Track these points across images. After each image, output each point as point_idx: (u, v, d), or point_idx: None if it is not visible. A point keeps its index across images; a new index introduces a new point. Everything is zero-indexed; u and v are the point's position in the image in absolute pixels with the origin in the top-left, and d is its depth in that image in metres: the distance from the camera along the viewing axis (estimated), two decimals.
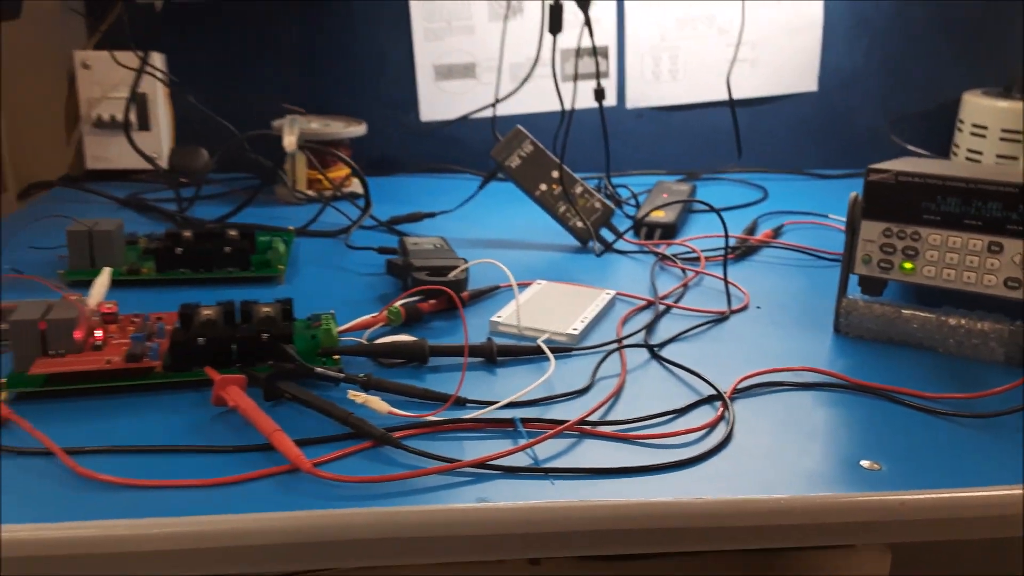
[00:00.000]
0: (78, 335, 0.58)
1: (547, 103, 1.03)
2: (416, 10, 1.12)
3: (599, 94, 0.89)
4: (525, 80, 0.92)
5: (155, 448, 0.50)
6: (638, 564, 0.61)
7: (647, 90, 1.17)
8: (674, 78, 1.17)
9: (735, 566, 0.62)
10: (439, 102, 1.16)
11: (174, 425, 0.53)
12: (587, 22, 0.84)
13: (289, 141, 0.95)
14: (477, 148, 1.17)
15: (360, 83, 1.14)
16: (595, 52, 0.85)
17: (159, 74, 1.05)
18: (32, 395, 0.55)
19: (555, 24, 0.84)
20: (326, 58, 1.13)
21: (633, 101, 1.17)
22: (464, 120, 1.14)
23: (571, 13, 0.89)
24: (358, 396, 0.54)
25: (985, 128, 1.00)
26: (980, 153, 1.01)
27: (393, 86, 1.15)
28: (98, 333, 0.59)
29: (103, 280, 0.64)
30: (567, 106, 0.85)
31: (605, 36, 1.13)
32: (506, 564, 0.61)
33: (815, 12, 1.15)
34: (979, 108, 1.01)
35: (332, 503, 0.45)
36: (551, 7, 0.83)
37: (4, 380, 0.55)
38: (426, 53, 1.14)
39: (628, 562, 0.61)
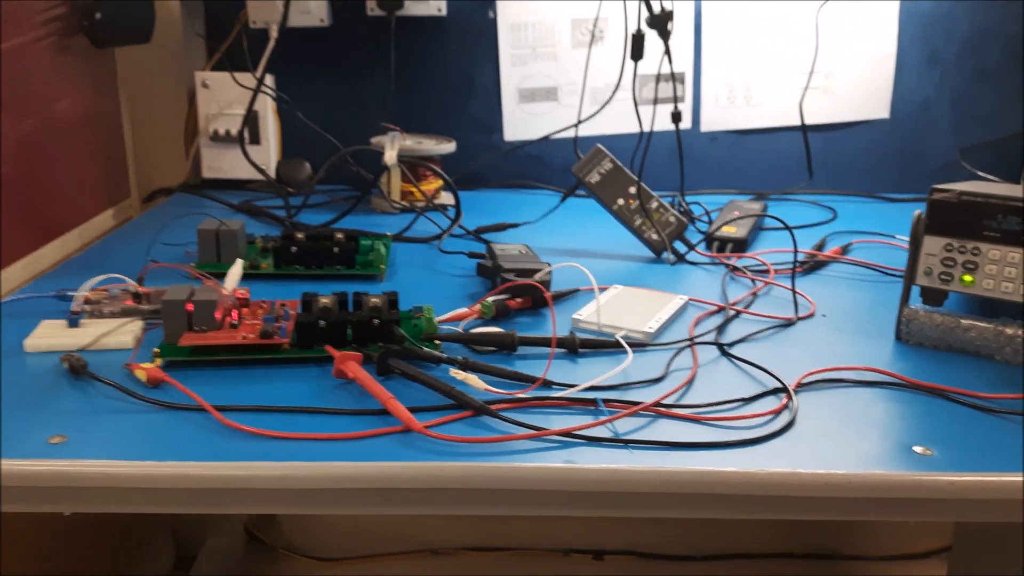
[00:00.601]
0: (218, 315, 0.67)
1: (626, 125, 1.10)
2: (503, 38, 1.21)
3: (676, 117, 0.95)
4: (606, 103, 0.99)
5: (287, 408, 0.58)
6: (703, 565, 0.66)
7: (721, 114, 1.23)
8: (748, 103, 1.22)
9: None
10: (522, 123, 1.24)
11: (301, 392, 0.61)
12: (667, 51, 0.91)
13: (390, 156, 1.05)
14: (557, 166, 1.25)
15: (450, 105, 1.23)
16: (673, 78, 0.92)
17: (271, 94, 1.16)
18: (179, 363, 0.64)
19: (637, 52, 0.91)
20: (420, 81, 1.22)
21: (708, 124, 1.23)
22: (546, 140, 1.22)
23: (650, 41, 0.96)
24: (459, 374, 0.61)
25: None
26: None
27: (480, 108, 1.24)
28: (234, 314, 0.68)
29: (236, 270, 0.73)
30: (645, 128, 0.92)
31: (682, 63, 1.20)
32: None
33: (888, 45, 1.19)
34: None
35: (441, 458, 0.52)
36: (634, 36, 0.90)
37: (157, 349, 0.64)
38: (511, 77, 1.23)
39: (689, 563, 0.66)
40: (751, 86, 1.22)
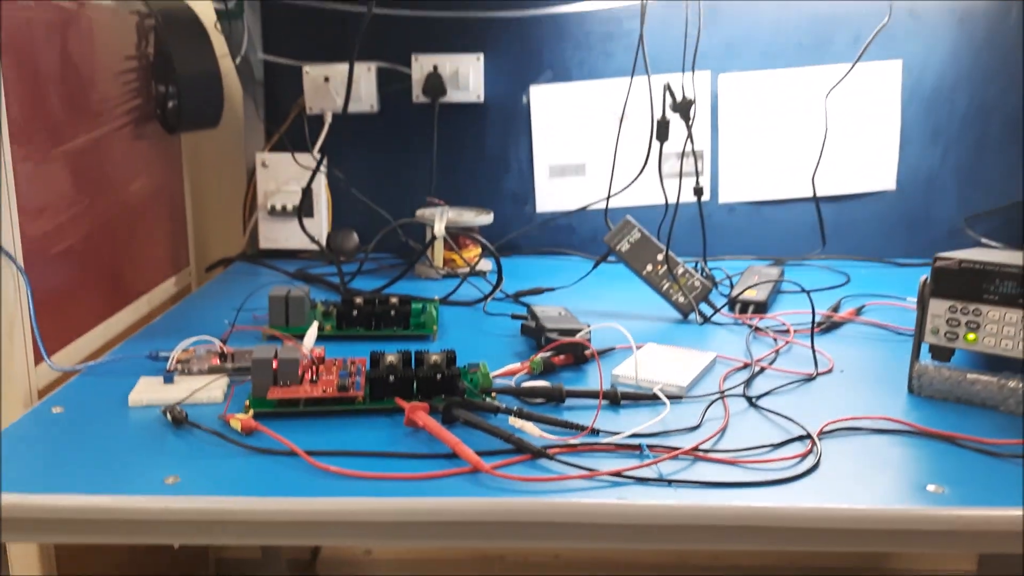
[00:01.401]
0: (299, 371, 0.75)
1: (651, 197, 1.19)
2: (536, 119, 1.31)
3: (698, 192, 1.05)
4: (634, 181, 1.08)
5: (368, 452, 0.66)
6: None
7: (738, 187, 1.32)
8: (763, 176, 1.32)
9: None
10: (554, 195, 1.34)
11: (376, 439, 0.69)
12: (689, 135, 1.01)
13: (439, 228, 1.14)
14: (586, 234, 1.34)
15: (488, 179, 1.34)
16: (695, 156, 1.01)
17: (324, 172, 1.27)
18: (267, 414, 0.72)
19: (662, 134, 1.01)
20: (460, 158, 1.33)
21: (726, 196, 1.32)
22: (576, 211, 1.31)
23: (673, 120, 1.06)
24: (516, 421, 0.69)
25: None
26: None
27: (515, 181, 1.34)
28: (312, 370, 0.76)
29: (312, 332, 0.82)
30: (671, 200, 1.01)
31: (701, 140, 1.30)
32: None
33: (893, 121, 1.29)
34: None
35: (508, 494, 0.59)
36: (659, 122, 1.00)
37: (248, 402, 0.73)
38: (543, 154, 1.33)
39: None
40: (766, 160, 1.31)
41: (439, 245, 1.19)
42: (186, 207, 1.32)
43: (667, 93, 1.00)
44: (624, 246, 1.04)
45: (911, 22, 1.26)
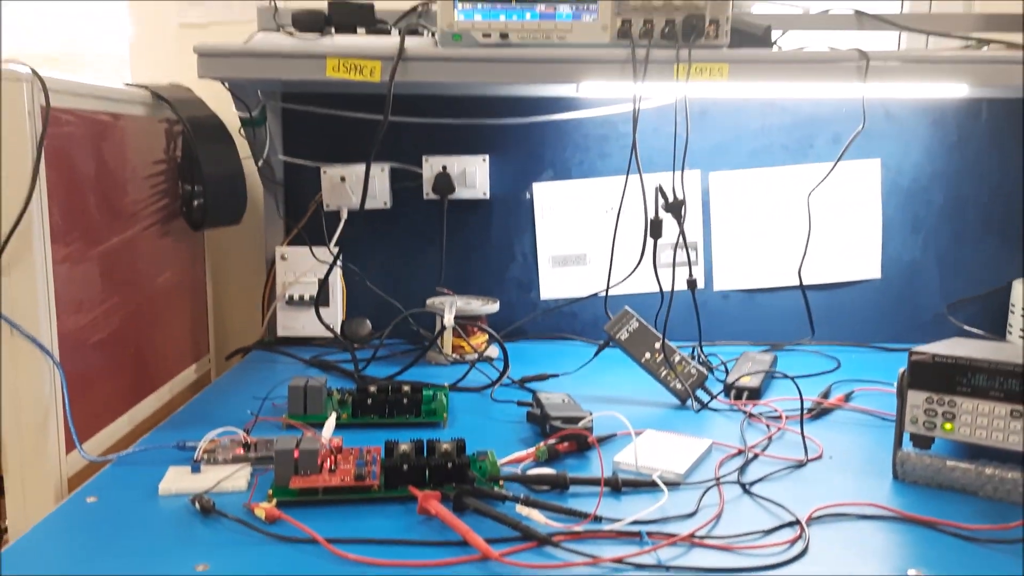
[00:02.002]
0: (319, 461, 0.80)
1: (649, 285, 1.26)
2: (539, 214, 1.39)
3: (692, 285, 1.11)
4: (631, 274, 1.15)
5: (383, 540, 0.70)
6: None
7: (732, 275, 1.39)
8: (755, 265, 1.39)
9: None
10: (556, 284, 1.41)
11: (391, 526, 0.73)
12: (681, 231, 1.08)
13: (448, 319, 1.21)
14: (588, 320, 1.40)
15: (494, 269, 1.41)
16: (687, 250, 1.08)
17: (340, 264, 1.34)
18: (288, 503, 0.77)
19: (655, 232, 1.08)
20: (468, 249, 1.40)
21: (720, 284, 1.39)
22: (578, 300, 1.38)
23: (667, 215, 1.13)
24: (523, 509, 0.73)
25: None
26: None
27: (520, 271, 1.41)
28: (331, 459, 0.81)
29: (331, 423, 0.87)
30: (666, 291, 1.07)
31: (694, 233, 1.38)
32: None
33: (874, 215, 1.37)
34: None
35: None
36: (652, 221, 1.08)
37: (271, 491, 0.77)
38: (546, 246, 1.40)
39: None
40: (757, 251, 1.39)
41: (448, 333, 1.26)
42: (208, 297, 1.39)
43: (659, 194, 1.08)
44: (623, 335, 1.10)
45: (887, 123, 1.35)
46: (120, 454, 0.90)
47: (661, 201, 1.09)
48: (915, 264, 1.37)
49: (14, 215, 0.85)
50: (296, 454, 0.79)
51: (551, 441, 0.89)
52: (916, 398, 0.82)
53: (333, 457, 0.83)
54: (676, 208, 1.09)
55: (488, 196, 1.38)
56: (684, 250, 1.12)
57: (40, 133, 0.87)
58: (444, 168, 1.36)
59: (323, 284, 1.29)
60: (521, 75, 1.08)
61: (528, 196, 1.39)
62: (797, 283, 1.36)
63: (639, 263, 1.11)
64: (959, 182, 1.35)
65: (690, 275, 1.12)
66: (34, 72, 0.87)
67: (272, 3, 1.33)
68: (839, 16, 1.30)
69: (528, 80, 1.09)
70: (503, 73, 1.08)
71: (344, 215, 1.35)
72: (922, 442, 0.83)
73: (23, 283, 0.87)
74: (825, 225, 1.36)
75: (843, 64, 1.06)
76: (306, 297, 1.34)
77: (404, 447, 0.82)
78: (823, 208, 1.36)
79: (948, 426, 0.81)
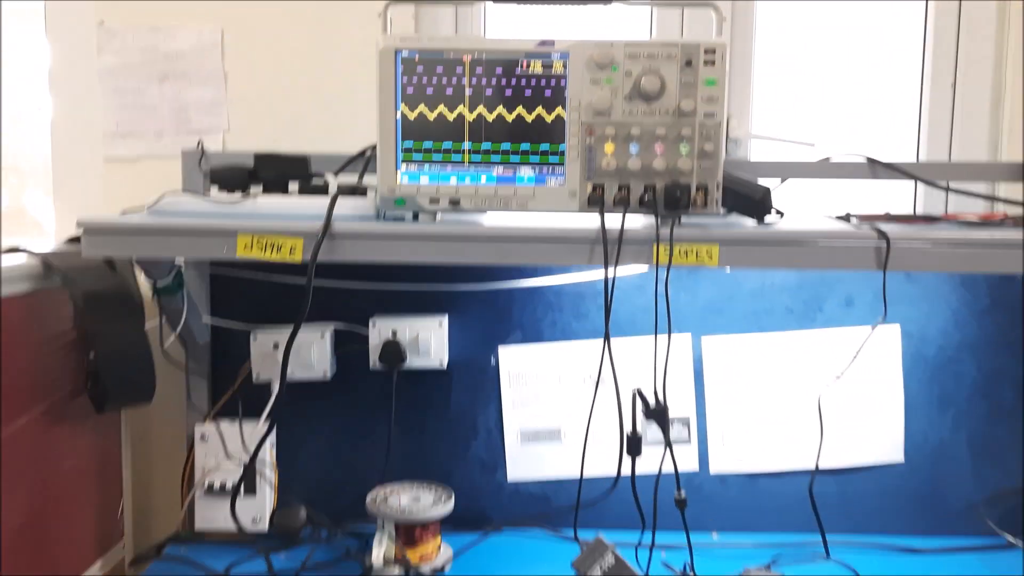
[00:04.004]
0: None
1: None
2: (505, 382, 1.21)
3: (681, 504, 0.91)
4: (611, 490, 0.97)
5: None
6: None
7: (730, 456, 1.19)
8: (757, 446, 1.19)
9: None
10: (526, 462, 1.21)
11: None
12: (668, 444, 0.89)
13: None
14: (563, 504, 1.20)
15: (453, 446, 1.21)
16: (675, 466, 0.89)
17: (272, 444, 1.15)
18: None
19: (634, 449, 0.89)
20: (423, 424, 1.21)
21: (716, 467, 1.19)
22: (549, 481, 1.18)
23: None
24: None
25: None
26: None
27: (483, 448, 1.22)
28: None
29: None
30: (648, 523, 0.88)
31: (686, 407, 1.19)
32: None
33: (895, 389, 1.17)
34: None
35: None
36: (629, 438, 0.89)
37: None
38: (514, 419, 1.21)
39: None
40: (760, 428, 1.19)
41: (389, 544, 1.05)
42: (125, 480, 1.20)
43: (636, 400, 0.89)
44: (595, 572, 0.90)
45: (907, 284, 1.17)
46: None
47: (640, 407, 0.90)
48: (943, 447, 1.17)
49: None
50: None
51: None
52: None
53: None
54: (659, 414, 0.90)
55: (445, 366, 1.19)
56: (674, 464, 0.92)
57: None
58: (394, 333, 1.17)
59: (248, 469, 1.10)
60: (472, 254, 0.91)
61: (493, 361, 1.21)
62: (805, 466, 1.16)
63: (615, 483, 0.92)
64: (993, 353, 1.16)
65: (678, 493, 0.92)
66: None
67: (199, 146, 1.17)
68: (848, 164, 1.13)
69: (481, 260, 0.92)
70: (451, 252, 0.91)
71: (275, 388, 1.16)
72: None
73: None
74: (839, 400, 1.17)
75: (859, 249, 0.88)
76: (228, 485, 1.14)
77: None
78: (836, 380, 1.16)
79: None
